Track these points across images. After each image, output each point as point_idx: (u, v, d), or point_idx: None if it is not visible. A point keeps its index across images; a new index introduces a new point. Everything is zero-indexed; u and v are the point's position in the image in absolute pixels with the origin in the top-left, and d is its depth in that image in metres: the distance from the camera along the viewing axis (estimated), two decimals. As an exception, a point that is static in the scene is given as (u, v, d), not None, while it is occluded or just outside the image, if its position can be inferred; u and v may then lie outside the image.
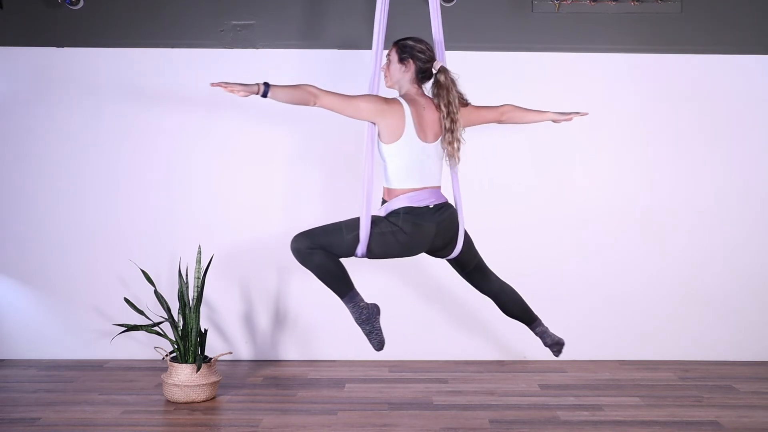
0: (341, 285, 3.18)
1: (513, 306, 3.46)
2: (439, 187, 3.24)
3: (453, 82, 3.22)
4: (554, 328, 4.61)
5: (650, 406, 3.78)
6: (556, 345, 3.53)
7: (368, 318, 3.16)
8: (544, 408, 3.75)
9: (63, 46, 4.52)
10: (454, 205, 3.29)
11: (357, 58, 4.51)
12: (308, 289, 4.58)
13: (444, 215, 3.20)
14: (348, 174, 4.52)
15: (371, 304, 3.21)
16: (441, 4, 4.37)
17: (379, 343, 3.19)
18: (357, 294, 3.19)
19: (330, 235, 3.15)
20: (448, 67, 3.30)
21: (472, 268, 3.39)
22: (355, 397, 3.92)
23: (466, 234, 3.31)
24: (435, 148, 3.19)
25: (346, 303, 3.18)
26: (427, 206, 3.17)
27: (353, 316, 3.18)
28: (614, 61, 4.56)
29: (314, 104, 3.09)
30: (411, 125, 3.12)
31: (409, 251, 3.21)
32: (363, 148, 3.17)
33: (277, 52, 4.53)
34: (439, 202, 3.21)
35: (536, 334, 3.52)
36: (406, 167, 3.15)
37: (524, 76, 4.55)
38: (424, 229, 3.15)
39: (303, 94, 3.07)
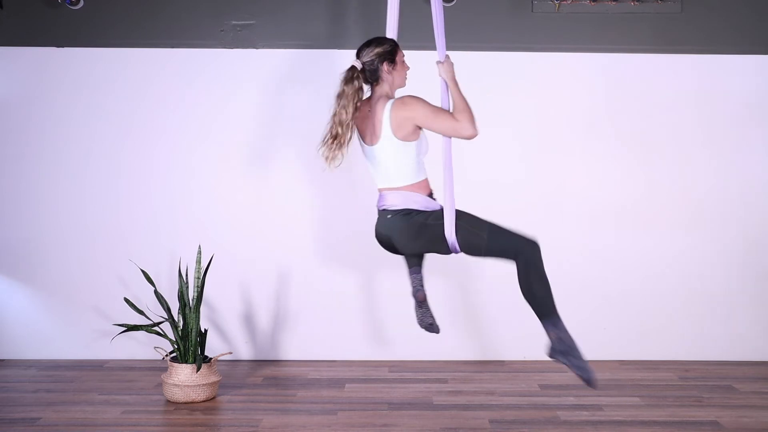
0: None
1: (529, 279, 3.03)
2: (400, 188, 3.11)
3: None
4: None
5: (650, 406, 3.78)
6: (578, 370, 2.94)
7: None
8: (544, 408, 3.74)
9: (63, 46, 4.52)
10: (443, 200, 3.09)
11: (357, 58, 4.51)
12: (308, 289, 4.59)
13: (388, 221, 3.12)
14: (348, 174, 4.53)
15: (416, 290, 3.42)
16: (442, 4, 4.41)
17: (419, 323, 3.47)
18: (412, 278, 3.44)
19: None
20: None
21: (485, 255, 3.08)
22: (355, 397, 3.92)
23: (463, 226, 3.04)
24: (377, 150, 3.12)
25: None
26: (384, 209, 3.17)
27: None
28: (614, 61, 4.56)
29: None
30: (355, 130, 3.18)
31: (391, 250, 3.26)
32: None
33: (277, 52, 4.53)
34: (392, 208, 3.11)
35: (548, 335, 3.00)
36: (371, 171, 3.23)
37: (524, 76, 4.55)
38: (380, 232, 3.20)
39: None
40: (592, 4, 4.50)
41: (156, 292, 3.99)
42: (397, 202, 3.11)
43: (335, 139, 3.06)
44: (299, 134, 4.53)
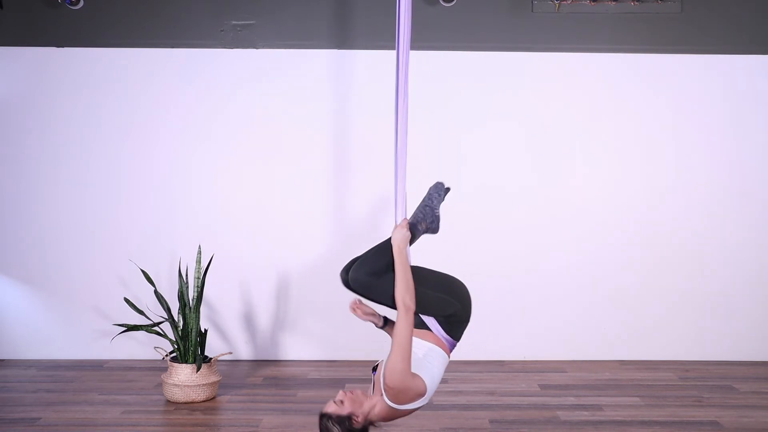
0: None
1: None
2: (436, 351, 2.80)
3: None
4: (555, 327, 4.63)
5: (650, 406, 3.78)
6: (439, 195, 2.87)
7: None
8: (544, 408, 3.74)
9: (63, 46, 4.52)
10: None
11: (356, 58, 4.52)
12: (308, 290, 4.59)
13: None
14: (346, 175, 4.53)
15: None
16: (441, 4, 4.42)
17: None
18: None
19: None
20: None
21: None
22: (355, 397, 3.92)
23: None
24: None
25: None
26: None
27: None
28: (614, 61, 4.56)
29: None
30: None
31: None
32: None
33: (277, 52, 4.53)
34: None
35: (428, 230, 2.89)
36: None
37: (524, 76, 4.55)
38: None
39: None
40: (592, 4, 4.50)
41: (156, 292, 3.98)
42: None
43: None
44: (299, 134, 4.53)
